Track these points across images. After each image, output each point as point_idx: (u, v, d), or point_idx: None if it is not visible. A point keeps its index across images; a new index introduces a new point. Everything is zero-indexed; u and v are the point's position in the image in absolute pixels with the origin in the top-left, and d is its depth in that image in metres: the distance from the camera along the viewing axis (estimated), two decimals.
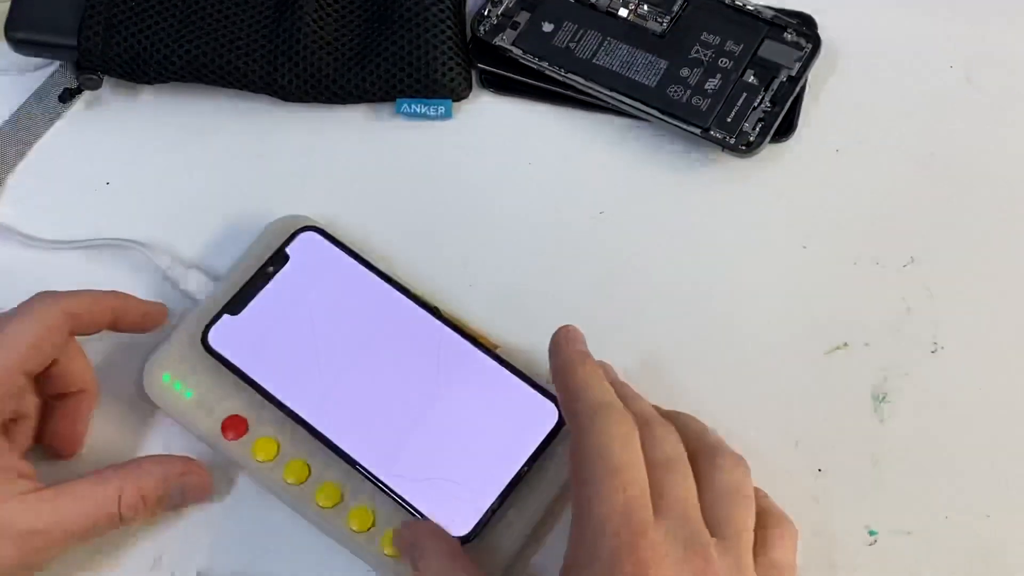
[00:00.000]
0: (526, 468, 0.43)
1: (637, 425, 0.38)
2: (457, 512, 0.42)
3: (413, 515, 0.42)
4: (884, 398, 0.46)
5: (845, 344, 0.48)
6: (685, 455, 0.39)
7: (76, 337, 0.44)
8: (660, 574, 0.35)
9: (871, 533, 0.44)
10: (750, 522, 0.38)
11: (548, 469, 0.44)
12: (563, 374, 0.41)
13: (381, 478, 0.43)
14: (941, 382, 0.47)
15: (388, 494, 0.43)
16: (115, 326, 0.45)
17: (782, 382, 0.47)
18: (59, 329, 0.43)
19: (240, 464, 0.44)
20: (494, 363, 0.45)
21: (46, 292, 0.44)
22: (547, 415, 0.44)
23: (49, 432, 0.45)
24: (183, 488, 0.43)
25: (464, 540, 0.42)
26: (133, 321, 0.46)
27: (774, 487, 0.44)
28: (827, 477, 0.45)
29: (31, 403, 0.44)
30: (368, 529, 0.43)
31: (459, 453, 0.43)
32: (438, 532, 0.41)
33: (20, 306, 0.43)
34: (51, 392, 0.45)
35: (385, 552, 0.42)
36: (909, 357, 0.47)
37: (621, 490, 0.36)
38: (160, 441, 0.46)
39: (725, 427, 0.45)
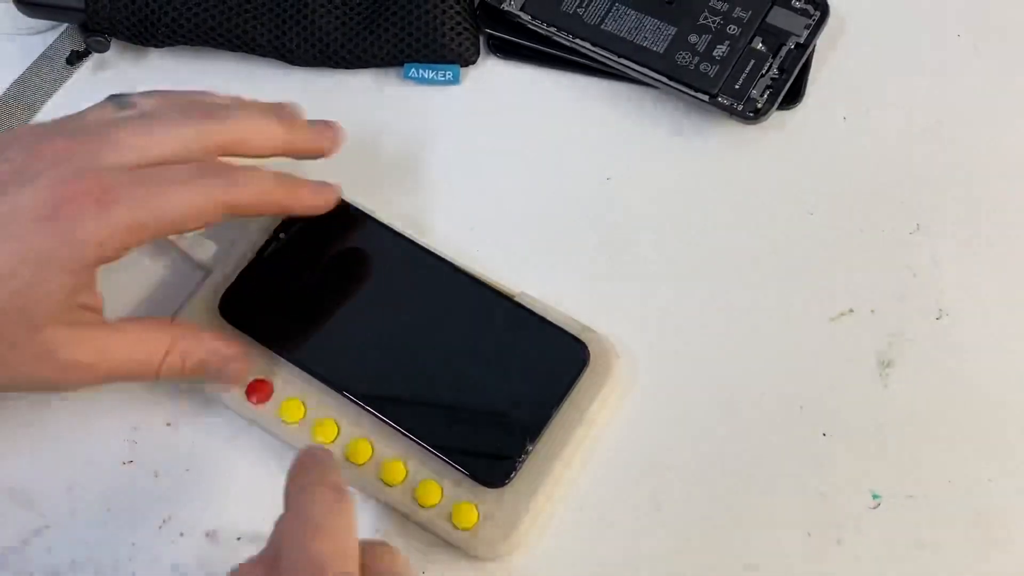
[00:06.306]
0: (556, 410, 0.43)
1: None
2: (491, 458, 0.43)
3: (446, 464, 0.43)
4: (889, 364, 0.47)
5: (851, 310, 0.48)
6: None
7: None
8: None
9: (874, 496, 0.44)
10: None
11: (576, 409, 0.44)
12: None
13: (411, 431, 0.43)
14: (946, 349, 0.47)
15: (420, 445, 0.43)
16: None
17: (788, 347, 0.47)
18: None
19: (268, 427, 0.44)
20: (516, 308, 0.45)
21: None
22: (573, 356, 0.44)
23: None
24: (221, 371, 0.43)
25: (499, 484, 0.42)
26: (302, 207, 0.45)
27: (778, 450, 0.45)
28: (831, 441, 0.45)
29: None
30: (402, 482, 0.43)
31: (488, 400, 0.44)
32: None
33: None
34: None
35: (419, 503, 0.42)
36: (914, 324, 0.47)
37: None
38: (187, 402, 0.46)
39: (732, 390, 0.46)
